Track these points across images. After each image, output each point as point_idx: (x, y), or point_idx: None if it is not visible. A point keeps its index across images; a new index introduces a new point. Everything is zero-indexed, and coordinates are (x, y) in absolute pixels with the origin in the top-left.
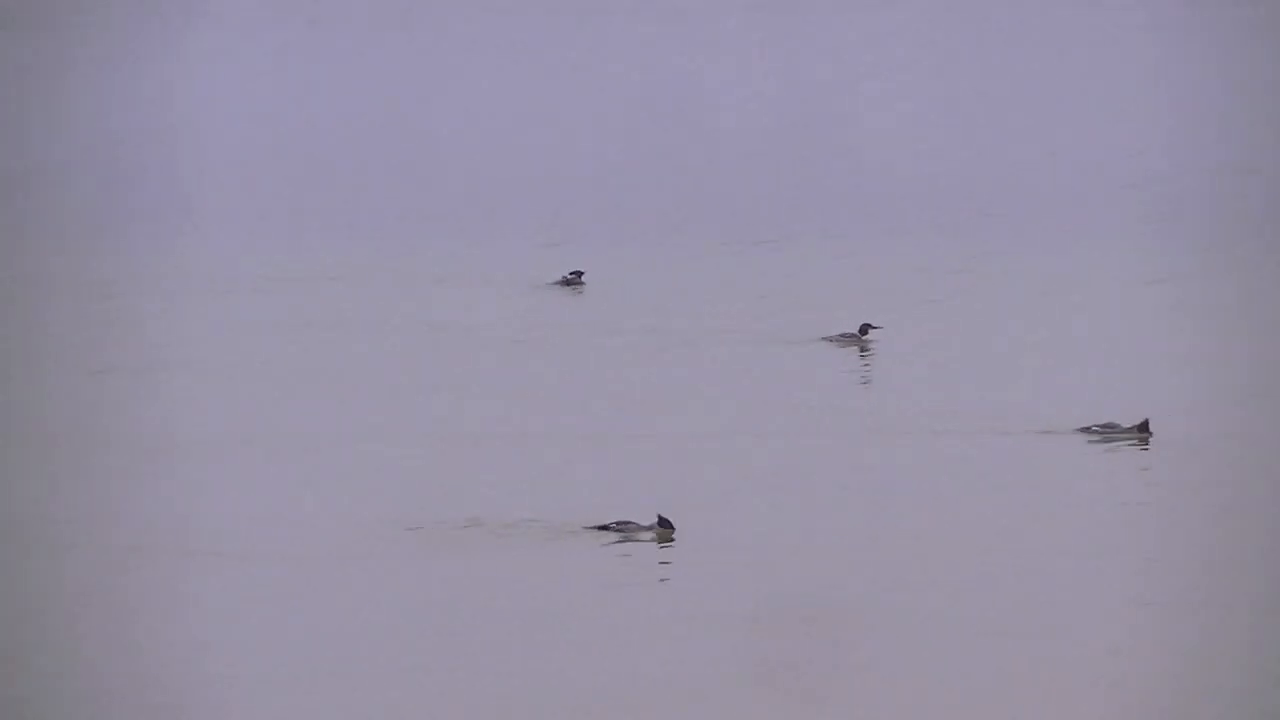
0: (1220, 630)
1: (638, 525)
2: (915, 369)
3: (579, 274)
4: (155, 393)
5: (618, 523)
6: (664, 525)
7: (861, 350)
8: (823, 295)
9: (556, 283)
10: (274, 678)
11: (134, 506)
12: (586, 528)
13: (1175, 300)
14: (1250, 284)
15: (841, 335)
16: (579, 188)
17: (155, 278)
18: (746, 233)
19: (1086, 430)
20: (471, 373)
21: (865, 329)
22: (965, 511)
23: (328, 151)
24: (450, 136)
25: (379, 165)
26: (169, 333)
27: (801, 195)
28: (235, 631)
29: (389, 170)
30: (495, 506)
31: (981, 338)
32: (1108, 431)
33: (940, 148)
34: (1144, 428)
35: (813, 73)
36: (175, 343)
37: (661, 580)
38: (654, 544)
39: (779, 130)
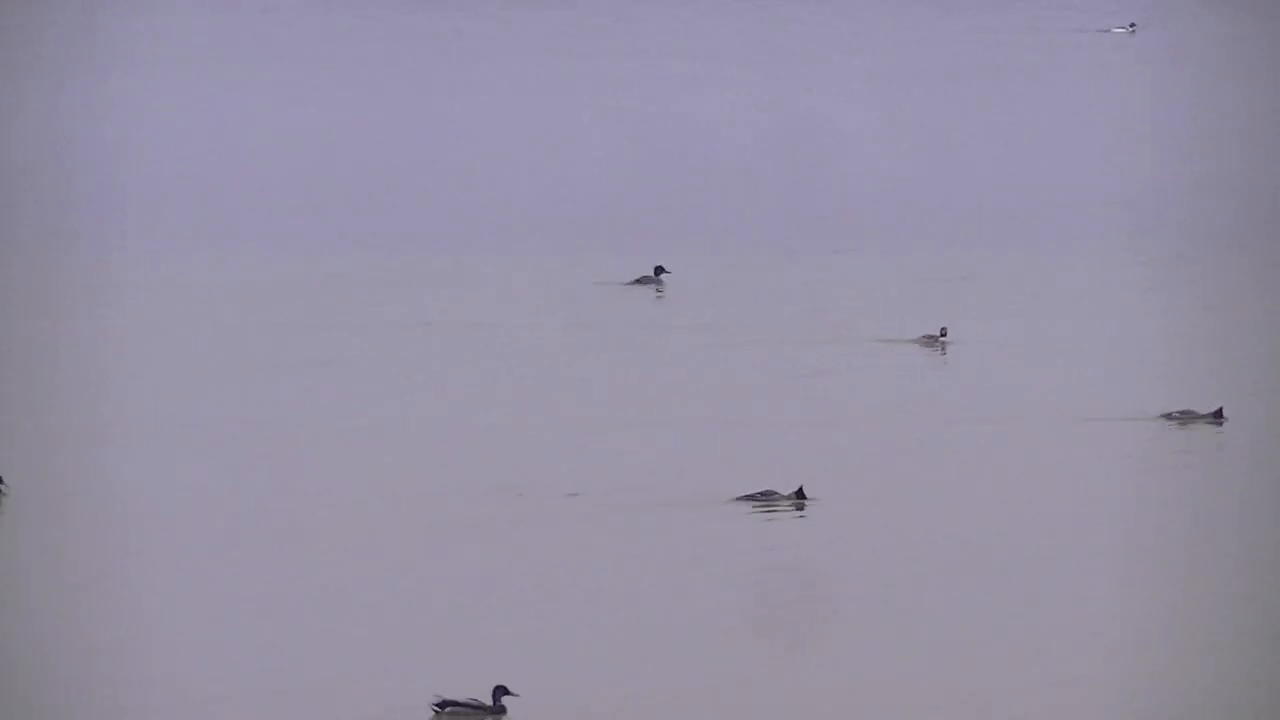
0: None
1: (780, 495)
2: (998, 366)
3: (660, 270)
4: (292, 387)
5: (762, 493)
6: (800, 496)
7: (941, 351)
8: (879, 302)
9: (633, 282)
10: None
11: (235, 491)
12: (735, 498)
13: (1184, 300)
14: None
15: (924, 337)
16: (613, 204)
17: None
18: (793, 246)
19: (1168, 417)
20: (579, 366)
21: (944, 331)
22: (1075, 489)
23: (375, 168)
24: (480, 159)
25: (429, 178)
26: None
27: (814, 213)
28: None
29: (442, 182)
30: (634, 481)
31: (1045, 337)
32: (1186, 417)
33: (937, 171)
34: (1219, 414)
35: (814, 106)
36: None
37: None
38: (793, 510)
39: (784, 155)
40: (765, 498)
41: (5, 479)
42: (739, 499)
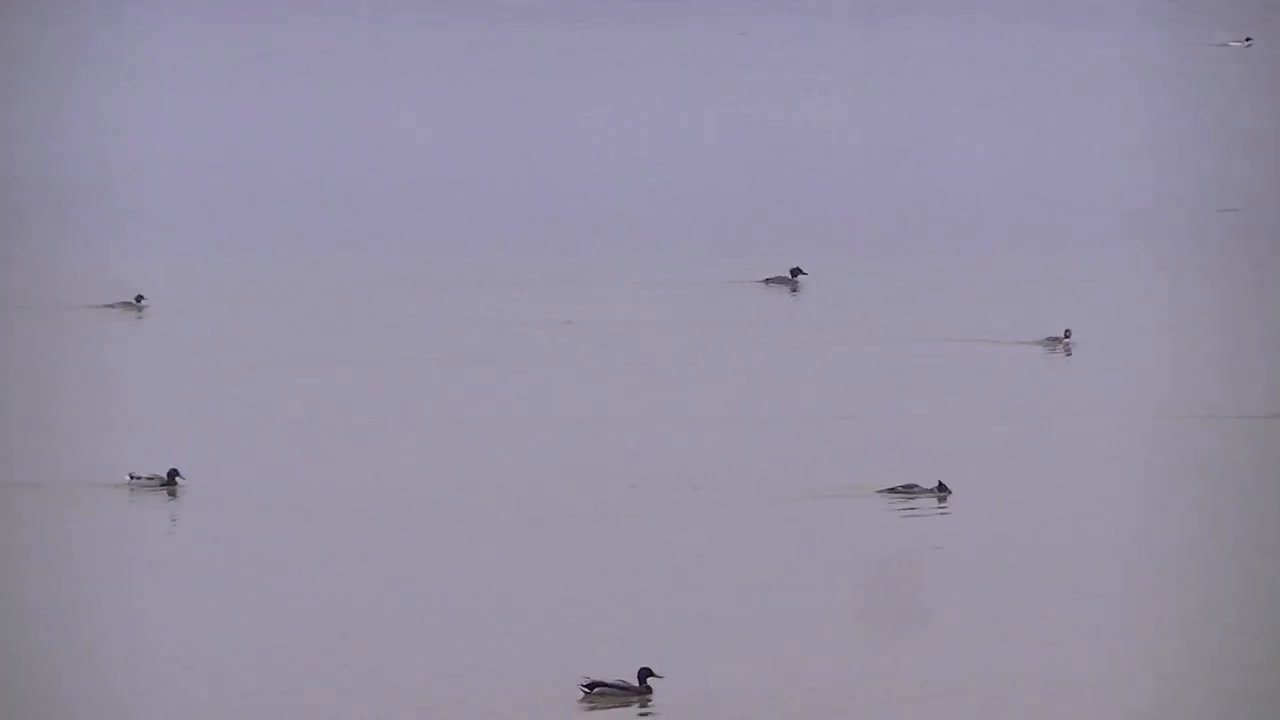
0: None
1: (922, 488)
2: (1123, 366)
3: (798, 271)
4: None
5: (904, 486)
6: (942, 489)
7: (1066, 352)
8: (1003, 303)
9: (767, 281)
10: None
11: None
12: (879, 490)
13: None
14: None
15: (1048, 339)
16: (740, 209)
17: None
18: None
19: None
20: (716, 361)
21: (1068, 333)
22: (1213, 487)
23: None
24: (610, 166)
25: (570, 183)
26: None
27: (935, 217)
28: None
29: (578, 187)
30: (790, 474)
31: (1169, 337)
32: None
33: (1055, 177)
34: None
35: (930, 115)
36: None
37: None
38: (935, 501)
39: (901, 161)
40: (907, 490)
41: (182, 472)
42: (882, 492)
